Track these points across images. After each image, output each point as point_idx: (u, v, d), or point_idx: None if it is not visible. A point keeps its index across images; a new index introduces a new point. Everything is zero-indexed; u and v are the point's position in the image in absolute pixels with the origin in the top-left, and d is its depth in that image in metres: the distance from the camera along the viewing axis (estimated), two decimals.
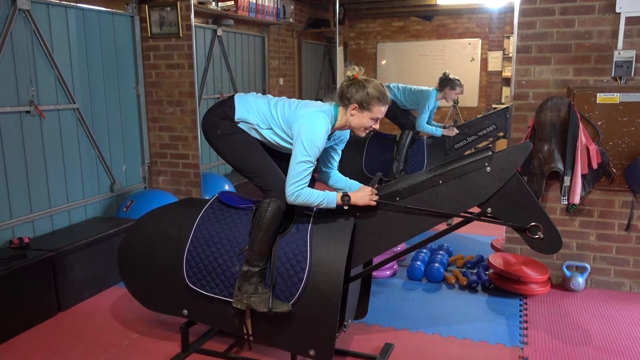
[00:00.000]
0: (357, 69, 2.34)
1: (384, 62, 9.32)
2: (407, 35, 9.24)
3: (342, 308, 2.58)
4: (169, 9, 4.26)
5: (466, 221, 2.36)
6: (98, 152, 4.06)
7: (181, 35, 4.30)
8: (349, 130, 2.58)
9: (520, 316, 3.18)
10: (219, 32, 5.42)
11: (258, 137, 2.45)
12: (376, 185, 2.42)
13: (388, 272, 3.81)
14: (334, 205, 2.34)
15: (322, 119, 2.30)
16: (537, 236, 2.21)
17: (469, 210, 2.33)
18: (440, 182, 2.28)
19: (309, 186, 2.35)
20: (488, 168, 2.21)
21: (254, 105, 2.43)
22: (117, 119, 4.26)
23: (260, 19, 5.95)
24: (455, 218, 2.41)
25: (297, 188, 2.28)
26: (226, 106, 2.45)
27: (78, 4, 3.79)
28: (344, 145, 2.64)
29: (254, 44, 6.30)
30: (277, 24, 6.49)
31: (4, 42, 3.23)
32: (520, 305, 3.33)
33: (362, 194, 2.34)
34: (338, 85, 2.43)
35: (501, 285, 3.47)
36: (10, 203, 3.37)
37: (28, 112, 3.44)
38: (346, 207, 2.35)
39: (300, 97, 7.63)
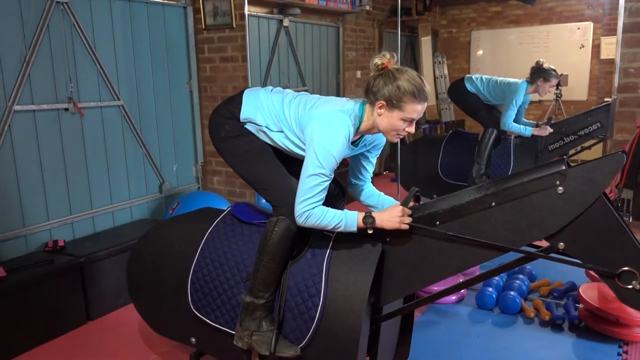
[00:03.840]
0: (388, 55, 1.83)
1: (480, 52, 8.49)
2: (505, 21, 8.32)
3: (373, 350, 2.10)
4: None
5: (528, 258, 1.76)
6: (146, 151, 3.87)
7: (234, 26, 4.00)
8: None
9: None
10: (285, 22, 5.07)
11: (268, 140, 2.02)
12: (411, 204, 1.90)
13: (454, 297, 3.23)
14: (354, 228, 1.86)
15: (340, 121, 1.83)
16: (630, 286, 1.58)
17: (535, 242, 1.74)
18: (493, 204, 1.71)
19: (329, 205, 1.90)
20: (560, 188, 1.60)
21: (265, 102, 2.01)
22: (167, 116, 4.06)
23: (333, 8, 5.53)
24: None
25: (308, 207, 1.83)
26: (233, 104, 2.05)
27: None
28: (378, 152, 2.14)
29: (327, 34, 5.89)
30: (354, 12, 6.02)
31: (39, 37, 3.10)
32: (619, 354, 2.62)
33: (390, 215, 1.83)
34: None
35: (594, 325, 2.77)
36: (47, 204, 3.25)
37: (66, 109, 3.30)
38: (370, 232, 1.86)
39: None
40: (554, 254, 1.70)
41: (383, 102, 1.81)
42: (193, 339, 2.28)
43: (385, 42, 6.99)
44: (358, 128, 1.90)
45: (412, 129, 1.84)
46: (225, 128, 2.02)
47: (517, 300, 3.06)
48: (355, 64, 6.45)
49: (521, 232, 1.69)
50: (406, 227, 1.82)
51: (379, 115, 1.84)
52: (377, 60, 1.84)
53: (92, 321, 3.12)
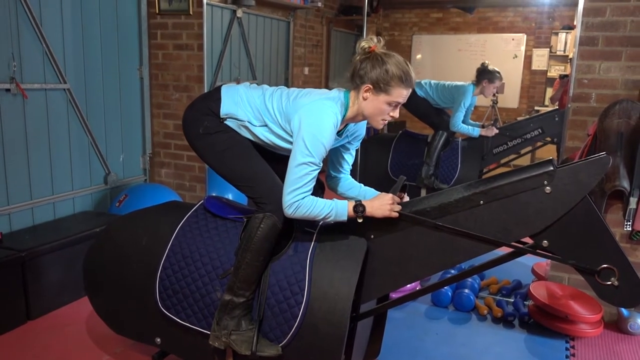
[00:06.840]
0: (375, 39, 1.82)
1: (419, 56, 8.71)
2: (445, 27, 8.57)
3: (348, 349, 2.08)
4: None
5: (514, 254, 1.82)
6: (91, 139, 3.64)
7: (191, 13, 3.85)
8: (365, 124, 2.07)
9: None
10: (239, 13, 4.95)
11: (250, 136, 1.95)
12: (399, 193, 1.90)
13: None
14: (344, 217, 1.84)
15: (328, 108, 1.80)
16: (609, 283, 1.66)
17: (521, 240, 1.80)
18: (482, 202, 1.75)
19: (313, 194, 1.86)
20: (547, 188, 1.67)
21: (245, 97, 1.94)
22: (115, 103, 3.83)
23: (286, 2, 5.47)
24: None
25: (297, 197, 1.78)
26: (211, 99, 1.96)
27: None
28: (358, 143, 2.12)
29: (278, 28, 5.81)
30: (305, 7, 5.98)
31: None
32: (567, 349, 2.77)
33: (380, 203, 1.83)
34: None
35: (543, 321, 2.91)
36: None
37: (8, 90, 3.03)
38: (360, 220, 1.85)
39: (327, 89, 7.09)
40: (538, 250, 1.76)
41: (369, 85, 1.80)
42: (158, 339, 2.16)
43: (334, 41, 7.01)
44: (344, 116, 1.87)
45: (396, 114, 1.84)
46: (203, 124, 1.93)
47: (472, 297, 3.16)
48: (303, 60, 6.41)
49: (508, 229, 1.74)
50: (396, 215, 1.81)
51: (365, 99, 1.82)
52: (364, 44, 1.83)
53: (33, 320, 2.89)
